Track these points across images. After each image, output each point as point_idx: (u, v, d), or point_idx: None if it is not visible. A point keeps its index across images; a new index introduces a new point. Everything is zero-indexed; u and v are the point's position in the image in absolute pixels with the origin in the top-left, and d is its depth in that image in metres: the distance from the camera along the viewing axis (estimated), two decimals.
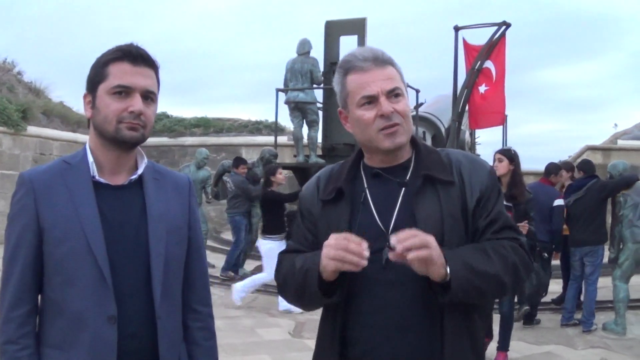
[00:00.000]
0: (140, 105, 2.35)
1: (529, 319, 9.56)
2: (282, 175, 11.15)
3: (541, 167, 10.57)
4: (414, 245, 2.12)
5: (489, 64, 12.34)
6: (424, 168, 2.42)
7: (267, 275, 10.12)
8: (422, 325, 2.31)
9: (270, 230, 10.53)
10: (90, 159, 2.40)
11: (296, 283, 2.42)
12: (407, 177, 2.44)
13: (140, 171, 2.48)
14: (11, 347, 2.29)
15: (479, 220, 2.40)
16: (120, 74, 2.34)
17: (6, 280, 2.35)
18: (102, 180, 2.40)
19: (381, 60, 2.42)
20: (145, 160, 2.53)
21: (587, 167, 9.83)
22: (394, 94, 2.38)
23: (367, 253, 2.16)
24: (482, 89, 12.48)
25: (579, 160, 17.25)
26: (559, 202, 9.32)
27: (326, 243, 2.24)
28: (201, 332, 2.63)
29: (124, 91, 2.34)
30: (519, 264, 2.34)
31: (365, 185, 2.48)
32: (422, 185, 2.38)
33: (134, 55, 2.37)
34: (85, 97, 2.42)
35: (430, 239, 2.15)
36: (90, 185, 2.37)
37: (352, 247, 2.16)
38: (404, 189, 2.41)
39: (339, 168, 2.61)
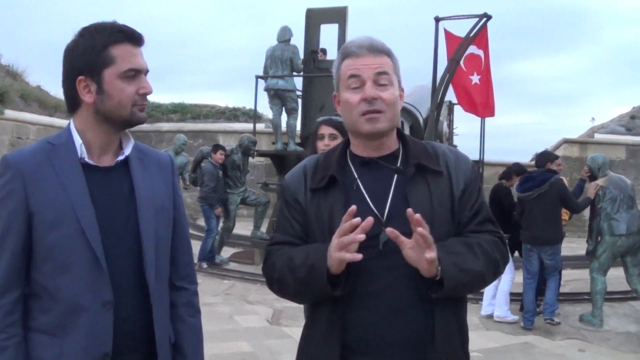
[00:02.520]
0: (151, 87, 2.38)
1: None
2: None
3: (517, 160, 10.64)
4: (428, 239, 2.25)
5: (478, 52, 12.35)
6: (415, 157, 2.50)
7: (509, 278, 9.52)
8: (415, 308, 2.40)
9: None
10: (79, 140, 2.36)
11: (297, 279, 2.45)
12: (398, 166, 2.51)
13: (128, 152, 2.46)
14: None
15: (464, 211, 2.51)
16: (128, 56, 2.34)
17: None
18: (90, 162, 2.37)
19: (376, 49, 2.50)
20: (132, 140, 2.51)
21: (541, 160, 9.73)
22: (380, 81, 2.45)
23: (361, 237, 2.26)
24: (475, 78, 12.48)
25: (555, 153, 17.34)
26: None
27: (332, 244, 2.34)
28: (186, 308, 2.65)
29: (133, 74, 2.34)
30: (499, 259, 2.48)
31: (355, 174, 2.54)
32: (414, 173, 2.46)
33: (135, 36, 2.37)
34: (80, 82, 2.33)
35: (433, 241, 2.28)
36: (79, 167, 2.33)
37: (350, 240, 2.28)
38: (395, 176, 2.49)
39: (325, 157, 2.65)
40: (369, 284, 2.41)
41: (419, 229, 2.23)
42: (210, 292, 10.62)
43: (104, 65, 2.31)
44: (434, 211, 2.42)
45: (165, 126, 23.47)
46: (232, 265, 13.01)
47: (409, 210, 2.26)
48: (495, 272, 2.49)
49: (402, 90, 2.57)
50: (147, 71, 2.40)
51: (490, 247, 2.46)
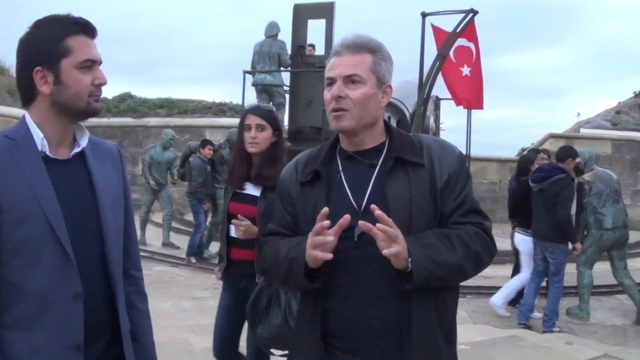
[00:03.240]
0: (105, 77, 2.41)
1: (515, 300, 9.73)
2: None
3: (504, 154, 10.63)
4: (389, 234, 2.33)
5: (468, 44, 12.40)
6: (396, 151, 2.56)
7: (525, 275, 9.37)
8: (392, 296, 2.47)
9: (527, 224, 9.32)
10: (40, 134, 2.36)
11: (281, 271, 2.58)
12: (380, 160, 2.57)
13: (84, 144, 2.48)
14: None
15: (447, 202, 2.54)
16: (84, 47, 2.36)
17: None
18: (50, 155, 2.38)
19: (357, 47, 2.55)
20: (86, 132, 2.53)
21: (562, 154, 9.00)
22: (350, 79, 2.52)
23: (330, 239, 2.38)
24: (466, 70, 12.53)
25: (541, 147, 17.46)
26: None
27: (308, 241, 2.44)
28: (136, 295, 2.72)
29: (89, 65, 2.36)
30: (481, 251, 2.50)
31: (340, 168, 2.62)
32: (393, 166, 2.52)
33: (90, 28, 2.40)
34: (37, 72, 2.34)
35: (400, 234, 2.35)
36: (41, 162, 2.33)
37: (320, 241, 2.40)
38: (376, 170, 2.55)
39: (317, 152, 2.74)
40: (346, 273, 2.51)
41: (378, 225, 2.32)
42: (200, 286, 10.64)
43: (61, 56, 2.33)
44: (413, 203, 2.48)
45: (152, 121, 23.38)
46: None
47: (372, 205, 2.36)
48: (477, 264, 2.52)
49: (387, 86, 2.61)
50: (101, 62, 2.42)
51: (470, 238, 2.48)
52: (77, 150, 2.46)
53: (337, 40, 2.65)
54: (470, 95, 12.78)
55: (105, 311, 2.45)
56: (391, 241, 2.33)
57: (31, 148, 2.34)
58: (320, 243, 2.39)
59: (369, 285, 2.49)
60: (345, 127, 2.53)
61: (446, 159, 2.57)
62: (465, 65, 12.55)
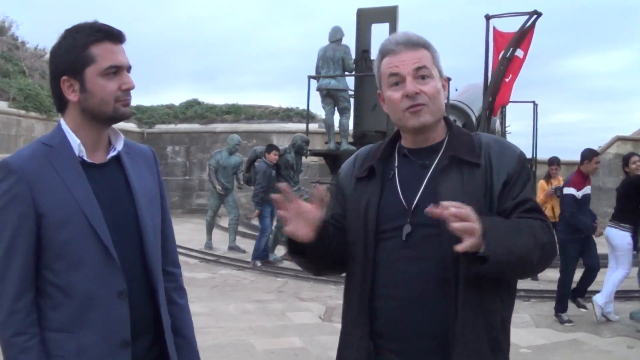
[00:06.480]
0: (133, 82, 2.46)
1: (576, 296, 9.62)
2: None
3: (571, 157, 10.50)
4: (461, 214, 2.18)
5: (518, 53, 12.34)
6: (452, 149, 2.51)
7: (625, 272, 9.16)
8: (438, 298, 2.41)
9: (624, 219, 9.18)
10: (77, 140, 2.43)
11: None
12: (437, 158, 2.53)
13: (119, 147, 2.54)
14: (20, 339, 2.29)
15: (506, 201, 2.45)
16: (108, 54, 2.40)
17: (5, 272, 2.33)
18: (87, 160, 2.45)
19: (413, 43, 2.52)
20: (121, 136, 2.59)
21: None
22: (420, 75, 2.47)
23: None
24: (508, 78, 12.50)
25: (608, 150, 17.18)
26: (566, 190, 9.24)
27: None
28: (176, 292, 2.77)
29: (114, 71, 2.41)
30: (548, 244, 2.39)
31: (396, 165, 2.60)
32: (447, 165, 2.47)
33: (115, 34, 2.44)
34: (64, 82, 2.41)
35: (472, 213, 2.20)
36: (79, 167, 2.40)
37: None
38: (431, 169, 2.52)
39: (376, 147, 2.73)
40: (394, 273, 2.47)
41: (446, 213, 2.18)
42: (264, 289, 10.76)
43: (85, 64, 2.38)
44: (464, 203, 2.34)
45: (219, 127, 23.68)
46: (286, 264, 13.03)
47: (427, 209, 2.24)
48: (543, 257, 2.38)
49: (444, 80, 2.58)
50: (129, 67, 2.47)
51: (536, 230, 2.37)
52: (113, 153, 2.53)
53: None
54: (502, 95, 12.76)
55: (148, 307, 2.53)
56: (465, 227, 2.18)
57: (68, 153, 2.42)
58: (284, 216, 2.42)
59: (415, 287, 2.44)
60: (427, 121, 2.47)
61: (505, 159, 2.50)
62: (511, 75, 12.52)
